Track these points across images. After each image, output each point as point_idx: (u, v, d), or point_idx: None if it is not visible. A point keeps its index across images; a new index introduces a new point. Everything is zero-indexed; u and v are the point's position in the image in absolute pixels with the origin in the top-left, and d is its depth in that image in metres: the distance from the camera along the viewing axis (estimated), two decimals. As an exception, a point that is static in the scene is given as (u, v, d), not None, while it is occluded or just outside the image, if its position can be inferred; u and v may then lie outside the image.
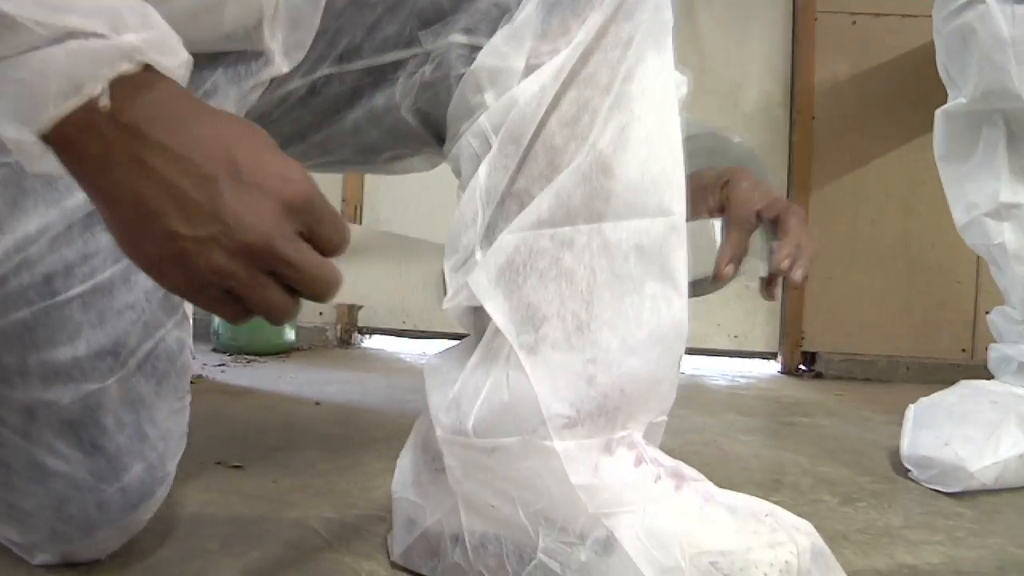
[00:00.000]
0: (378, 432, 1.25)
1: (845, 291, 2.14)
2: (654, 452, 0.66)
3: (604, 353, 0.63)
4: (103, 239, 0.63)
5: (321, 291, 0.50)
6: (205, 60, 0.64)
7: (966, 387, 1.26)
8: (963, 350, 2.10)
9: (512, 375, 0.63)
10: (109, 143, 0.45)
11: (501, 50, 0.67)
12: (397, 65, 0.73)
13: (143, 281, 0.65)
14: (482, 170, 0.66)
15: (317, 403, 1.48)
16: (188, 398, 0.74)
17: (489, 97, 0.67)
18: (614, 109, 0.63)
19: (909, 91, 2.06)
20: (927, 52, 2.15)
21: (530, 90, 0.65)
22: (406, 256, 0.68)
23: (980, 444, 1.09)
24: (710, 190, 0.82)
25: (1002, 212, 1.25)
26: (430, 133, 0.75)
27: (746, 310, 2.20)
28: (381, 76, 0.74)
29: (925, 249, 2.11)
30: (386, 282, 0.66)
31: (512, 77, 0.66)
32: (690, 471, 0.67)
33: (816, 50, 2.09)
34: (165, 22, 0.47)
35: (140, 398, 0.68)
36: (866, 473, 1.15)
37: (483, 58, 0.67)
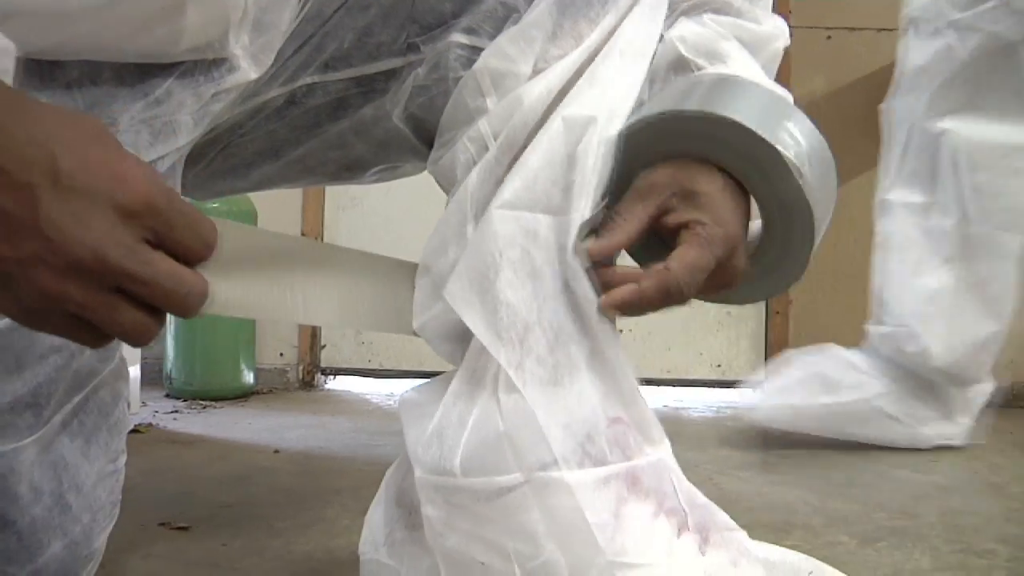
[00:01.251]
0: (342, 481, 1.14)
1: (831, 314, 2.06)
2: (685, 488, 0.56)
3: None
4: None
5: (180, 304, 0.43)
6: (156, 64, 0.54)
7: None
8: (954, 372, 2.02)
9: (505, 399, 0.53)
10: None
11: (507, 51, 0.59)
12: (390, 75, 0.64)
13: None
14: (472, 177, 0.58)
15: (276, 451, 1.37)
16: (123, 459, 0.63)
17: (491, 102, 0.59)
18: None
19: (888, 106, 2.00)
20: (904, 65, 2.12)
21: (535, 93, 0.57)
22: (372, 274, 0.58)
23: None
24: (688, 205, 0.58)
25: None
26: (424, 142, 0.66)
27: (729, 338, 2.11)
28: (371, 86, 0.65)
29: (911, 268, 2.03)
30: (347, 302, 0.56)
31: (518, 82, 0.59)
32: (721, 517, 0.58)
33: (792, 66, 2.03)
34: None
35: (63, 461, 0.57)
36: (880, 508, 1.06)
37: (486, 59, 0.59)
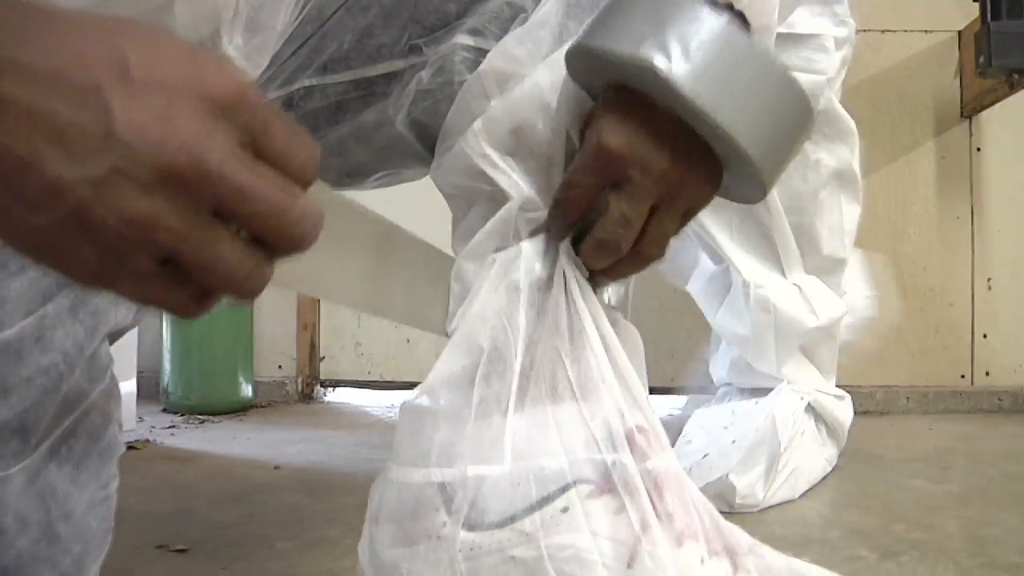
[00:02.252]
0: (345, 498, 1.11)
1: (836, 320, 2.03)
2: (703, 504, 0.53)
3: None
4: (11, 284, 0.48)
5: (293, 231, 0.34)
6: None
7: None
8: (962, 376, 2.00)
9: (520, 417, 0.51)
10: None
11: (513, 53, 0.56)
12: (391, 77, 0.61)
13: (61, 339, 0.51)
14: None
15: (276, 467, 1.34)
16: (115, 484, 0.60)
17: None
18: None
19: (891, 108, 1.98)
20: (909, 67, 2.09)
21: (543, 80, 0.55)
22: (431, 269, 0.56)
23: None
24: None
25: None
26: (427, 148, 0.63)
27: (733, 344, 2.08)
28: (370, 89, 0.63)
29: (917, 273, 2.01)
30: (411, 298, 0.54)
31: None
32: (739, 534, 0.55)
33: (793, 69, 2.01)
34: None
35: (51, 489, 0.54)
36: (898, 520, 1.03)
37: (492, 61, 0.57)
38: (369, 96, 0.63)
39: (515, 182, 0.56)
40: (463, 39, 0.58)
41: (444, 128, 0.59)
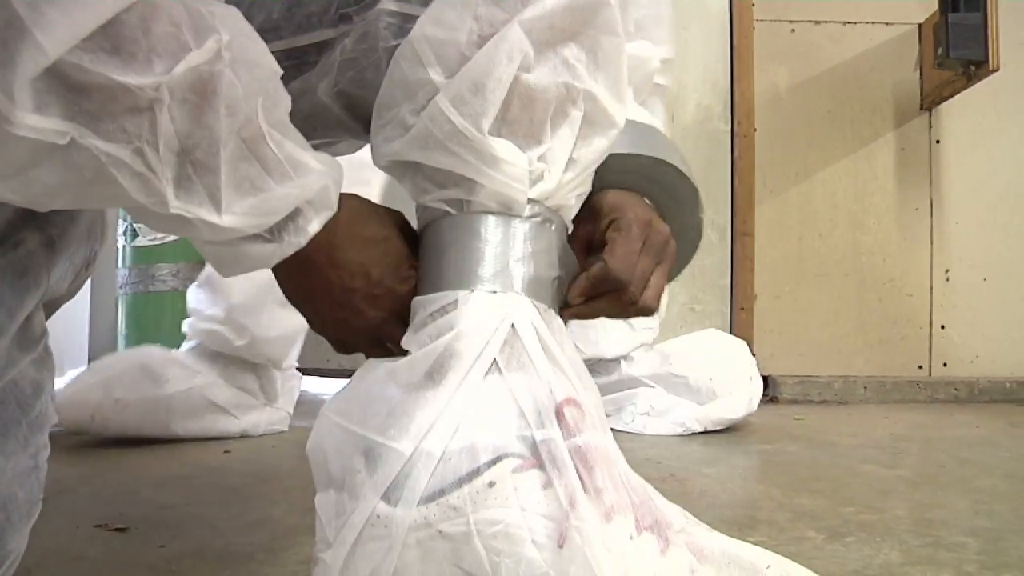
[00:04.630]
0: (292, 480, 1.09)
1: (795, 310, 2.04)
2: (635, 483, 0.52)
3: None
4: None
5: None
6: None
7: None
8: (920, 366, 2.02)
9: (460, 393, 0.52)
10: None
11: (445, 18, 0.54)
12: (321, 47, 0.60)
13: None
14: None
15: (226, 451, 1.32)
16: (44, 454, 0.58)
17: (435, 73, 0.54)
18: None
19: (852, 99, 2.00)
20: (868, 59, 2.11)
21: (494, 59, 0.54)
22: None
23: None
24: (600, 217, 0.65)
25: None
26: (355, 118, 0.62)
27: (693, 334, 2.09)
28: (302, 59, 0.61)
29: (876, 263, 2.03)
30: None
31: (459, 50, 0.54)
32: (672, 511, 0.54)
33: (755, 59, 2.01)
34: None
35: None
36: (848, 503, 1.03)
37: (423, 27, 0.54)
38: (301, 65, 0.61)
39: None
40: (387, 4, 0.57)
41: (379, 101, 0.57)
